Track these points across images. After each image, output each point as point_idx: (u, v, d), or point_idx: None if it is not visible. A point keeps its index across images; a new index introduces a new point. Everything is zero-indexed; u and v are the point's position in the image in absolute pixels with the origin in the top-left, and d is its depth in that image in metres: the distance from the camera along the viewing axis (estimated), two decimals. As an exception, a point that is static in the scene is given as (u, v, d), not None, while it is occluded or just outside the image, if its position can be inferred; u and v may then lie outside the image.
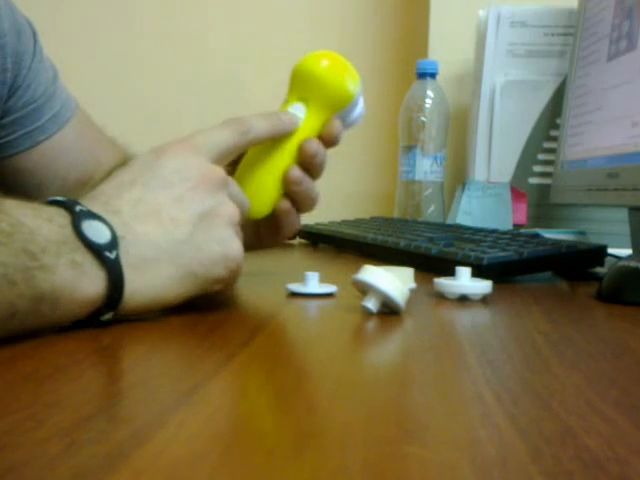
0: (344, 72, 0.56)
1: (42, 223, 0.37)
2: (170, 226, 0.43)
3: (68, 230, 0.38)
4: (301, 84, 0.56)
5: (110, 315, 0.40)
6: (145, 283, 0.41)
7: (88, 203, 0.41)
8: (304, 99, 0.56)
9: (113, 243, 0.39)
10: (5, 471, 0.20)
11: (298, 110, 0.55)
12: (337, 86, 0.56)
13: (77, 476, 0.20)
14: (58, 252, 0.37)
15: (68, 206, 0.40)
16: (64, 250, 0.37)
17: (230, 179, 0.48)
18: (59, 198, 0.41)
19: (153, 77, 1.37)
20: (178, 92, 1.36)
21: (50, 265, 0.36)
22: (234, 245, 0.45)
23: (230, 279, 0.45)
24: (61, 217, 0.39)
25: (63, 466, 0.20)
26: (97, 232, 0.39)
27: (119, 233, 0.40)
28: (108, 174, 0.46)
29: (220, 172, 0.47)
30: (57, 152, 0.72)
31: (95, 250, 0.38)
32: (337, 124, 0.56)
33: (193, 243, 0.43)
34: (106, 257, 0.39)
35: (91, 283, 0.38)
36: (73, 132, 0.74)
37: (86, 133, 0.77)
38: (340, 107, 0.56)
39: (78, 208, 0.39)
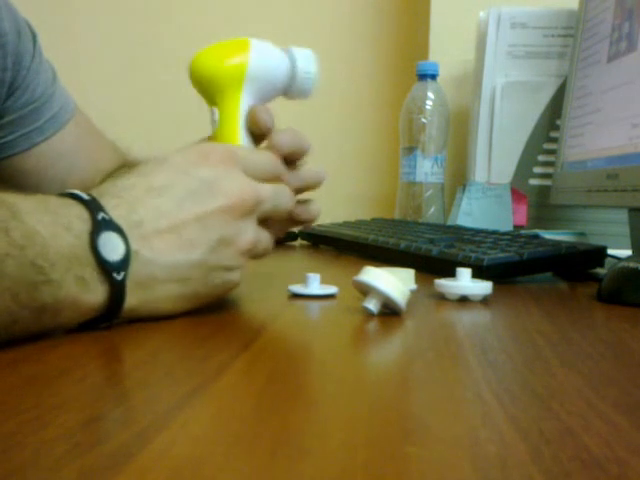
0: (215, 55, 0.55)
1: (58, 231, 0.37)
2: (186, 248, 0.42)
3: (83, 241, 0.38)
4: (201, 89, 0.55)
5: (107, 324, 0.40)
6: (148, 301, 0.41)
7: (113, 202, 0.40)
8: (211, 101, 0.55)
9: (124, 261, 0.39)
10: (11, 472, 0.20)
11: (214, 114, 0.55)
12: (216, 70, 0.54)
13: (82, 477, 0.20)
14: (67, 267, 0.37)
15: (90, 208, 0.39)
16: (74, 265, 0.37)
17: (265, 197, 0.47)
18: (83, 195, 0.40)
19: (154, 78, 1.37)
20: (178, 94, 1.36)
21: (57, 280, 0.36)
22: (239, 273, 0.46)
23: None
24: (81, 223, 0.38)
25: (68, 467, 0.21)
26: (112, 248, 0.38)
27: (134, 247, 0.40)
28: (136, 168, 0.45)
29: (252, 194, 0.46)
30: (56, 154, 0.72)
31: (104, 268, 0.38)
32: (258, 110, 0.55)
33: (204, 267, 0.43)
34: (113, 278, 0.39)
35: (93, 297, 0.38)
36: (72, 134, 0.74)
37: (85, 136, 0.77)
38: (237, 83, 0.54)
39: (100, 215, 0.39)
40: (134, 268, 0.40)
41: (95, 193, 0.41)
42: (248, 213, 0.46)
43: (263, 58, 0.55)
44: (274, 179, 0.50)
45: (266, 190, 0.47)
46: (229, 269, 0.45)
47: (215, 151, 0.46)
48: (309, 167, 0.57)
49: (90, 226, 0.38)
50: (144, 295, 0.41)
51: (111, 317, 0.40)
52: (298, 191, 0.56)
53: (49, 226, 0.36)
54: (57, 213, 0.38)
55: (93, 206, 0.39)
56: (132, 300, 0.40)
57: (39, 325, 0.37)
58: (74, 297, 0.37)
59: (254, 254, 0.48)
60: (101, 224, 0.38)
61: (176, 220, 0.42)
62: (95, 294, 0.38)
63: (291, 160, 0.54)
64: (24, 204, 0.37)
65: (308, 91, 0.58)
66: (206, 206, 0.43)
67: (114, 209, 0.40)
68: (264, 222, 0.49)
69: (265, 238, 0.49)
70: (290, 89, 0.57)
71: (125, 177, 0.43)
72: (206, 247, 0.43)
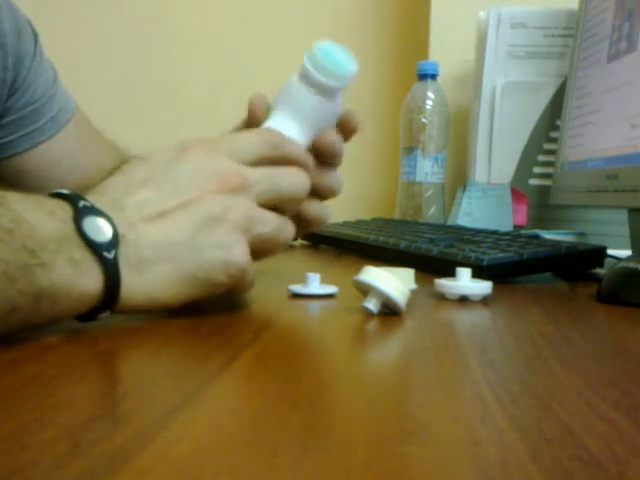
0: None
1: (43, 217, 0.37)
2: (171, 227, 0.42)
3: (68, 225, 0.38)
4: None
5: (107, 313, 0.40)
6: (142, 283, 0.41)
7: (95, 197, 0.41)
8: None
9: (113, 242, 0.39)
10: (11, 472, 0.20)
11: None
12: None
13: (82, 477, 0.20)
14: (57, 249, 0.37)
15: (71, 200, 0.40)
16: (63, 247, 0.37)
17: (255, 179, 0.46)
18: (64, 191, 0.41)
19: (154, 78, 1.37)
20: (178, 94, 1.36)
21: (49, 262, 0.36)
22: (237, 252, 0.44)
23: (234, 285, 0.45)
24: (63, 211, 0.39)
25: (68, 467, 0.21)
26: (98, 229, 0.39)
27: (120, 231, 0.40)
28: (119, 168, 0.45)
29: (240, 174, 0.45)
30: (57, 154, 0.73)
31: (94, 248, 0.38)
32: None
33: (192, 245, 0.43)
34: (104, 256, 0.39)
35: (89, 280, 0.38)
36: (72, 134, 0.74)
37: (86, 136, 0.77)
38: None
39: (82, 203, 0.39)
40: (123, 251, 0.40)
41: (79, 192, 0.41)
42: (235, 191, 0.45)
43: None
44: (269, 158, 0.47)
45: (254, 172, 0.46)
46: (221, 246, 0.43)
47: (195, 143, 0.46)
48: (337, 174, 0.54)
49: (72, 212, 0.39)
50: (137, 277, 0.41)
51: (110, 304, 0.40)
52: (313, 192, 0.52)
53: (34, 213, 0.37)
54: (40, 202, 0.39)
55: (73, 197, 0.40)
56: (126, 284, 0.40)
57: (38, 314, 0.36)
58: (69, 281, 0.37)
59: (275, 243, 0.46)
60: (83, 210, 0.39)
61: (160, 208, 0.43)
62: (90, 277, 0.38)
63: (323, 160, 0.53)
64: (11, 195, 0.38)
65: (329, 80, 0.52)
66: (190, 195, 0.43)
67: (96, 202, 0.41)
68: (277, 209, 0.47)
69: (277, 223, 0.46)
70: (320, 90, 0.52)
71: (110, 177, 0.44)
72: (193, 225, 0.43)
